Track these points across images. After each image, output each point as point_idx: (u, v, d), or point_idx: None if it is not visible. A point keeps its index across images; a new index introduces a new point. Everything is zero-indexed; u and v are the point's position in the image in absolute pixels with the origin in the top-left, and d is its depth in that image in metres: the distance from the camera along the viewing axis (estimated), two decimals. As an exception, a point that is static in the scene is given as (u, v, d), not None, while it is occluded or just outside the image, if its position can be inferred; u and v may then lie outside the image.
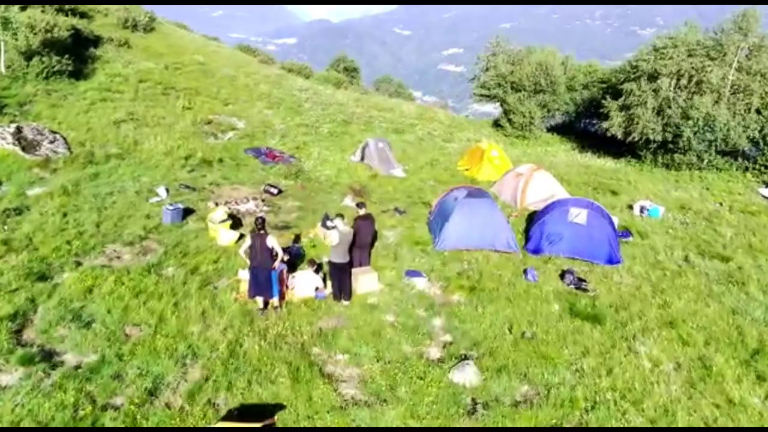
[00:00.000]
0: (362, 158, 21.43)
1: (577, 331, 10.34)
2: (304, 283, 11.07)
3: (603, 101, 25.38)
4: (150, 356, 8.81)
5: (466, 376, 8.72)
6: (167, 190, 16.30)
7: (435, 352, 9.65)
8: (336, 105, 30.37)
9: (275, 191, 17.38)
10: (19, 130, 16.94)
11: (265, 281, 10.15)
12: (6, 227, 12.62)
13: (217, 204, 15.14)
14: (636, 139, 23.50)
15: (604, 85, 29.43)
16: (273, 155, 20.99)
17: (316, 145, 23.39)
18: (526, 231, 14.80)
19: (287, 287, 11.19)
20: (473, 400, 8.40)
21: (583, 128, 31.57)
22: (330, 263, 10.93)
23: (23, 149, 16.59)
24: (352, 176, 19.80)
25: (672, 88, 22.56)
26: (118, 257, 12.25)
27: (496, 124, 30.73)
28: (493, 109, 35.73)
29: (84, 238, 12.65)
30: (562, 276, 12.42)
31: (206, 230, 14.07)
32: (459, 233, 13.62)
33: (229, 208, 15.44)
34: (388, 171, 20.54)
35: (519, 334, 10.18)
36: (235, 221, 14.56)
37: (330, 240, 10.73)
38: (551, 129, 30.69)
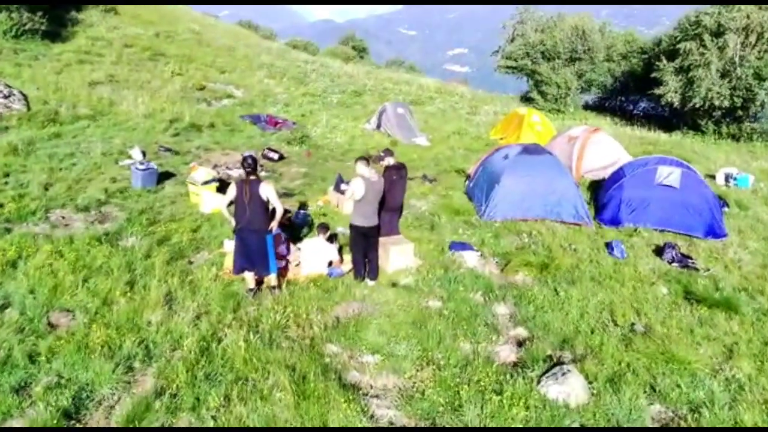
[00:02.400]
0: (379, 125, 18.33)
1: (707, 323, 7.19)
2: (314, 256, 7.94)
3: (657, 64, 22.08)
4: (78, 357, 5.68)
5: (569, 389, 5.56)
6: (143, 153, 13.22)
7: (507, 353, 6.50)
8: (346, 77, 27.28)
9: (276, 156, 14.29)
10: (-35, 80, 13.89)
11: (257, 250, 7.02)
12: None
13: (191, 167, 11.97)
14: (697, 105, 20.23)
15: (645, 56, 26.17)
16: (274, 121, 17.90)
17: (325, 113, 20.27)
18: (595, 200, 11.62)
19: (289, 261, 8.07)
20: (583, 428, 5.26)
21: (620, 106, 28.31)
22: (352, 228, 7.76)
23: (-33, 103, 13.54)
24: (368, 144, 16.66)
25: (740, 46, 19.31)
26: (66, 225, 9.17)
27: (526, 98, 27.50)
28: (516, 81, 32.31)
29: (23, 202, 9.56)
30: (659, 252, 9.27)
31: (186, 196, 10.97)
32: (513, 200, 10.47)
33: (218, 173, 12.33)
34: (409, 139, 17.40)
35: (626, 326, 7.01)
36: (224, 186, 11.45)
37: (352, 193, 7.59)
38: (583, 107, 27.39)
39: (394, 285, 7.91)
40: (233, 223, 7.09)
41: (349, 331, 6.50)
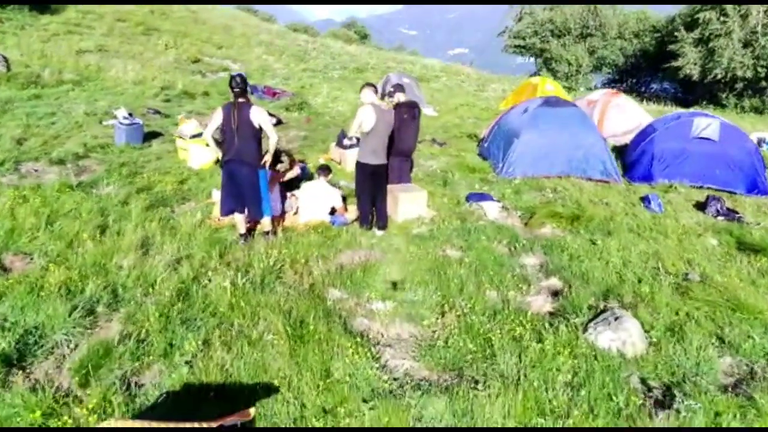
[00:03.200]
0: (382, 96, 17.23)
1: (769, 273, 6.17)
2: (314, 201, 6.95)
3: (675, 35, 21.04)
4: (29, 300, 4.68)
5: (624, 336, 4.58)
6: (130, 114, 12.19)
7: (541, 303, 5.50)
8: (347, 56, 26.27)
9: (273, 121, 13.24)
10: (-61, 38, 12.90)
11: (248, 187, 6.02)
12: None
13: (179, 118, 10.93)
14: (718, 77, 19.20)
15: (658, 35, 25.15)
16: (272, 92, 16.91)
17: (326, 86, 19.28)
18: (622, 160, 10.63)
19: (285, 211, 7.09)
20: (644, 381, 4.27)
21: (631, 88, 27.28)
22: (358, 167, 6.75)
23: (-59, 61, 12.56)
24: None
25: (762, 14, 18.30)
26: (38, 177, 8.18)
27: (535, 76, 26.47)
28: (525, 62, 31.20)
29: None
30: (701, 207, 8.26)
31: (174, 153, 9.99)
32: (534, 155, 9.48)
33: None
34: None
35: (679, 275, 6.01)
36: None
37: (360, 124, 6.57)
38: (592, 89, 26.33)
39: (406, 235, 6.90)
40: (220, 154, 6.10)
41: (355, 275, 5.50)
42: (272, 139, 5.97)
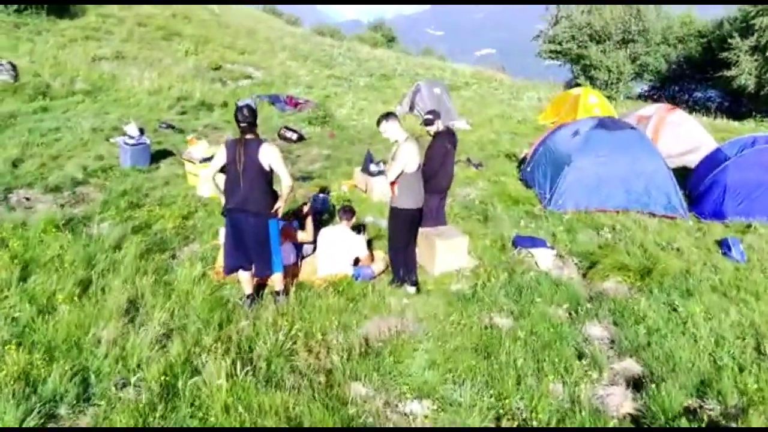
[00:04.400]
0: (412, 107, 16.21)
1: None
2: (335, 250, 5.86)
3: (729, 39, 19.41)
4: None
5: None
6: (141, 130, 11.32)
7: (619, 398, 4.35)
8: (374, 61, 25.24)
9: (294, 136, 12.31)
10: (-55, 47, 12.23)
11: (255, 240, 4.97)
12: None
13: (198, 138, 9.97)
14: (779, 88, 17.63)
15: (704, 40, 23.51)
16: (295, 102, 15.94)
17: (351, 95, 18.26)
18: (685, 189, 9.34)
19: (300, 258, 6.04)
20: None
21: (672, 96, 25.62)
22: (398, 214, 5.60)
23: (-55, 72, 11.88)
24: (402, 125, 14.51)
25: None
26: (29, 208, 7.31)
27: (572, 85, 25.01)
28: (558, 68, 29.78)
29: (-19, 181, 7.73)
30: (792, 253, 6.97)
31: (184, 177, 9.05)
32: (587, 185, 8.28)
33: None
34: (446, 122, 15.19)
35: (791, 361, 4.78)
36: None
37: (403, 165, 5.43)
38: (630, 98, 24.70)
39: (443, 293, 5.79)
40: (222, 200, 5.07)
41: (384, 361, 4.41)
42: (286, 183, 4.91)
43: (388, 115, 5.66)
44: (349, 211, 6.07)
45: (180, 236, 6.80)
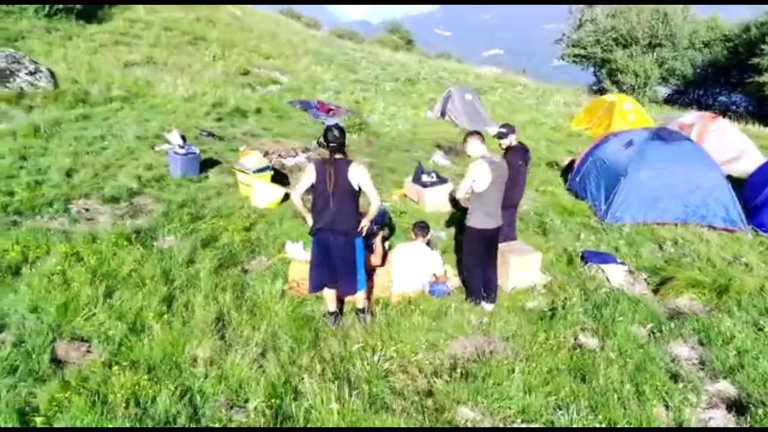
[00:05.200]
0: (443, 113, 16.20)
1: None
2: (411, 266, 5.84)
3: (763, 47, 19.29)
4: (90, 418, 3.74)
5: None
6: (183, 138, 11.35)
7: (721, 423, 4.29)
8: (397, 65, 25.24)
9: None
10: (-14, 54, 12.31)
11: (343, 259, 4.96)
12: None
13: (240, 151, 9.98)
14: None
15: (731, 44, 23.34)
16: (327, 108, 15.94)
17: (381, 100, 18.25)
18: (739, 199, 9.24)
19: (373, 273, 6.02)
20: None
21: (697, 100, 25.47)
22: (470, 233, 5.57)
23: (-11, 79, 11.94)
24: (436, 132, 14.54)
25: None
26: (90, 219, 7.33)
27: (597, 89, 24.90)
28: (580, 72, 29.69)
29: (40, 189, 7.77)
30: None
31: (234, 187, 9.06)
32: (645, 197, 8.24)
33: (270, 161, 10.41)
34: (480, 129, 15.15)
35: None
36: (279, 177, 9.55)
37: (471, 184, 5.42)
38: (656, 102, 24.54)
39: (519, 310, 5.76)
40: (310, 221, 5.06)
41: (483, 383, 4.38)
42: (375, 203, 4.90)
43: (472, 133, 5.64)
44: (424, 227, 6.05)
45: (246, 249, 6.80)
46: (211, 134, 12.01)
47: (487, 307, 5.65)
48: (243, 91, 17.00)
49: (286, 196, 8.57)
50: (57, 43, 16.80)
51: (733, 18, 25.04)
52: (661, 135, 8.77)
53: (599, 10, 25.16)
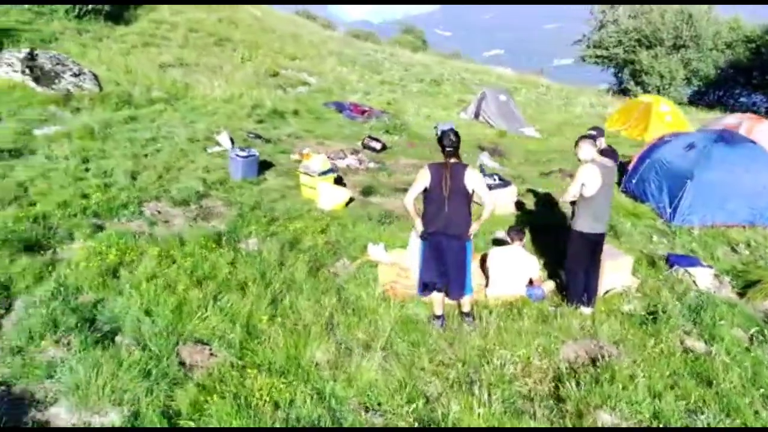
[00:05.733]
0: (476, 114, 16.22)
1: None
2: (510, 271, 5.86)
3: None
4: (238, 419, 3.77)
5: None
6: (232, 140, 11.42)
7: None
8: (419, 66, 25.27)
9: (378, 146, 12.33)
10: (32, 56, 12.32)
11: (455, 262, 4.99)
12: (-10, 171, 7.84)
13: (302, 154, 10.01)
14: None
15: (753, 45, 23.39)
16: (360, 110, 15.98)
17: (410, 101, 18.28)
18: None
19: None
20: None
21: (717, 100, 25.50)
22: (575, 237, 5.58)
23: (36, 80, 11.96)
24: (474, 134, 14.57)
25: None
26: (165, 221, 7.35)
27: (620, 90, 24.94)
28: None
29: (111, 192, 7.80)
30: None
31: (296, 189, 9.09)
32: (712, 199, 8.29)
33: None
34: (516, 130, 15.23)
35: None
36: (336, 179, 9.57)
37: (579, 188, 5.43)
38: (681, 103, 24.45)
39: (615, 313, 5.78)
40: (420, 226, 5.07)
41: (610, 387, 4.39)
42: (489, 207, 4.92)
43: (584, 137, 5.66)
44: (520, 231, 6.08)
45: (327, 252, 6.82)
46: (258, 136, 12.04)
47: (586, 310, 5.67)
48: (276, 93, 17.04)
49: (351, 199, 8.61)
50: (90, 45, 16.83)
51: (756, 19, 25.10)
52: (724, 137, 8.80)
53: (621, 11, 25.20)
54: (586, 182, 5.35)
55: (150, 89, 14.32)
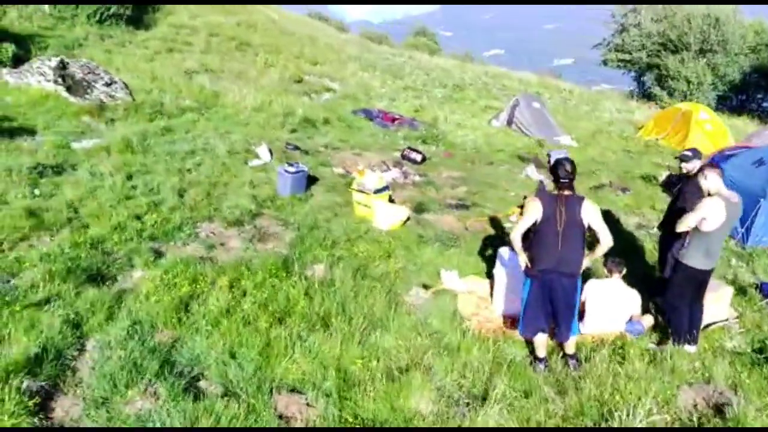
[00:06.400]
0: (509, 122, 15.86)
1: None
2: (609, 306, 5.50)
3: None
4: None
5: None
6: (270, 152, 11.08)
7: None
8: (439, 70, 24.92)
9: (419, 157, 11.97)
10: (63, 65, 11.98)
11: (565, 301, 4.64)
12: (37, 190, 7.48)
13: (348, 171, 9.67)
14: None
15: (779, 49, 23.00)
16: (391, 117, 15.62)
17: (437, 108, 17.93)
18: None
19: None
20: None
21: (740, 105, 25.11)
22: (682, 269, 5.20)
23: (68, 90, 11.63)
24: (513, 143, 14.21)
25: None
26: (222, 244, 7.00)
27: (645, 94, 24.55)
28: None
29: (162, 212, 7.46)
30: None
31: (346, 207, 8.74)
32: (788, 219, 7.86)
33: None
34: (552, 139, 14.87)
35: None
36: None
37: (699, 221, 4.98)
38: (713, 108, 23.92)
39: (721, 350, 5.42)
40: (524, 261, 4.71)
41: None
42: (606, 242, 4.55)
43: (710, 166, 5.21)
44: (620, 263, 5.69)
45: (398, 279, 6.47)
46: (296, 147, 11.69)
47: (691, 349, 5.30)
48: (303, 99, 16.71)
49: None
50: (114, 51, 16.53)
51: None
52: (799, 155, 8.42)
53: (644, 14, 24.81)
54: (708, 217, 4.94)
55: (179, 97, 13.99)
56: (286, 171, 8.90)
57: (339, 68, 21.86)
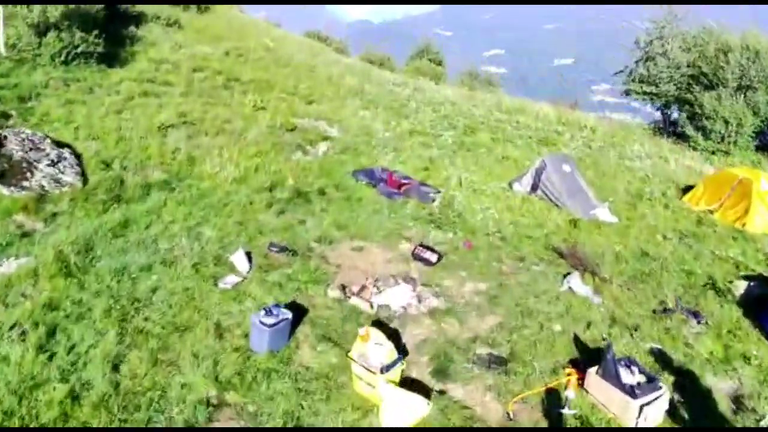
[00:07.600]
0: (534, 187, 13.61)
1: None
2: None
3: None
4: None
5: None
6: (249, 258, 8.92)
7: None
8: (448, 104, 22.67)
9: (434, 258, 9.76)
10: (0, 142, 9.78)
11: None
12: None
13: (347, 295, 7.41)
14: None
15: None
16: (397, 182, 13.38)
17: (449, 163, 15.70)
18: None
19: None
20: None
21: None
22: None
23: (1, 177, 9.40)
24: (544, 224, 11.95)
25: None
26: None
27: (675, 133, 22.18)
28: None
29: (83, 409, 5.22)
30: None
31: (344, 373, 6.52)
32: None
33: (370, 303, 7.94)
34: (588, 213, 12.61)
35: None
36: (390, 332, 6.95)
37: None
38: (743, 149, 21.50)
39: None
40: None
41: None
42: None
43: None
44: None
45: None
46: (283, 249, 9.47)
47: None
48: (294, 156, 14.54)
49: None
50: (77, 101, 14.30)
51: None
52: None
53: (673, 43, 22.52)
54: None
55: (146, 166, 11.81)
56: (262, 323, 6.67)
57: (338, 108, 19.61)
